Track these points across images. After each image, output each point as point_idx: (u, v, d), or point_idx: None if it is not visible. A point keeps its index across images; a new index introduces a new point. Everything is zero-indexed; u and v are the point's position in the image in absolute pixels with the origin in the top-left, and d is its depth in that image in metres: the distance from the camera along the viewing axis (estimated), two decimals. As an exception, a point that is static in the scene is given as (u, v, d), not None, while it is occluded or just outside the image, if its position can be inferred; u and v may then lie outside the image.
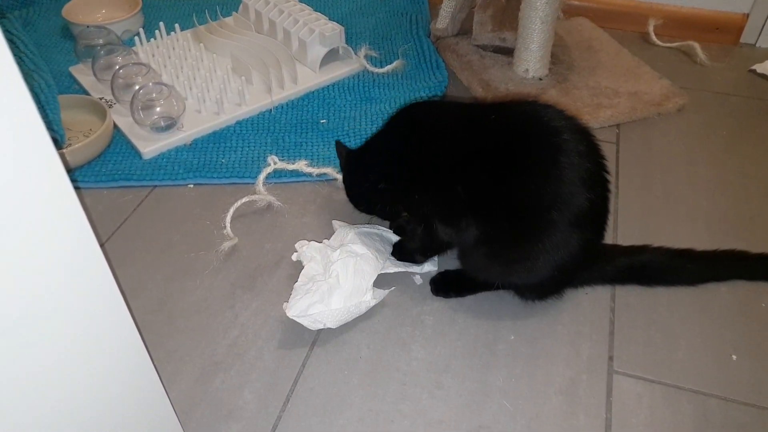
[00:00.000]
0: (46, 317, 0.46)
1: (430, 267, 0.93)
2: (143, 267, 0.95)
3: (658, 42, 1.47)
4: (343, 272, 0.85)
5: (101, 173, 1.10)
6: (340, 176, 1.06)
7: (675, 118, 1.25)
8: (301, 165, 1.06)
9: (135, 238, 1.00)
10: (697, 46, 1.42)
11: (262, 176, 1.05)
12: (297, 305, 0.83)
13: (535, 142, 0.78)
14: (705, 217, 1.03)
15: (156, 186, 1.09)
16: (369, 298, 0.85)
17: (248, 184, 1.07)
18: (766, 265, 0.91)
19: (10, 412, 0.46)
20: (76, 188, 1.08)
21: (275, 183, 1.08)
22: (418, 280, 0.92)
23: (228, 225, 0.98)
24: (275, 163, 1.07)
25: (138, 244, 0.99)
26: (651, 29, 1.48)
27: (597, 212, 0.80)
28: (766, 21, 1.45)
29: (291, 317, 0.82)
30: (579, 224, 0.77)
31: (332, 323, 0.83)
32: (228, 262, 0.95)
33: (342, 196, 1.00)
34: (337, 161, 1.02)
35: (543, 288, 0.86)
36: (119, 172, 1.10)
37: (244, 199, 1.01)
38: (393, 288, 0.89)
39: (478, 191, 0.79)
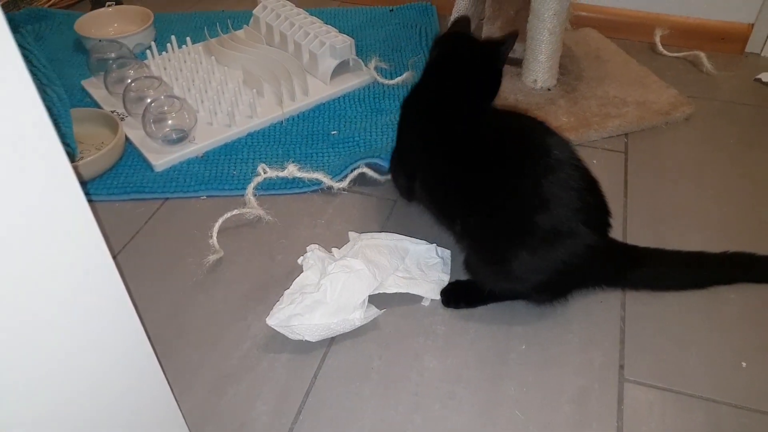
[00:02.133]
0: (60, 330, 0.47)
1: (434, 296, 0.91)
2: (156, 279, 0.96)
3: (665, 52, 1.48)
4: (331, 288, 0.84)
5: (113, 186, 1.11)
6: (330, 182, 1.08)
7: (683, 126, 1.26)
8: (292, 170, 1.06)
9: (147, 251, 1.01)
10: (703, 55, 1.43)
11: (251, 186, 1.05)
12: (278, 314, 0.83)
13: (527, 149, 0.82)
14: (714, 224, 1.03)
15: (168, 198, 1.10)
16: (357, 316, 0.84)
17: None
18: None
19: (26, 426, 0.47)
20: (89, 201, 1.08)
21: (277, 194, 1.10)
22: (426, 302, 0.91)
23: (215, 237, 0.98)
24: (265, 172, 1.07)
25: (150, 257, 1.00)
26: (658, 39, 1.49)
27: (591, 217, 0.81)
28: (771, 30, 1.45)
29: (270, 326, 0.82)
30: (568, 229, 0.78)
31: (311, 337, 0.83)
32: (241, 273, 0.96)
33: (340, 203, 1.03)
34: (333, 168, 1.08)
35: (547, 291, 0.87)
36: (131, 185, 1.11)
37: (234, 212, 1.02)
38: (385, 310, 0.87)
39: (466, 187, 0.84)
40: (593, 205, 0.82)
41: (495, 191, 0.82)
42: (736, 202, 1.07)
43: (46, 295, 0.45)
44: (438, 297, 0.91)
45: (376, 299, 0.88)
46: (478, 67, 0.93)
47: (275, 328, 0.83)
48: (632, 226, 1.03)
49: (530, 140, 0.82)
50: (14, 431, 0.46)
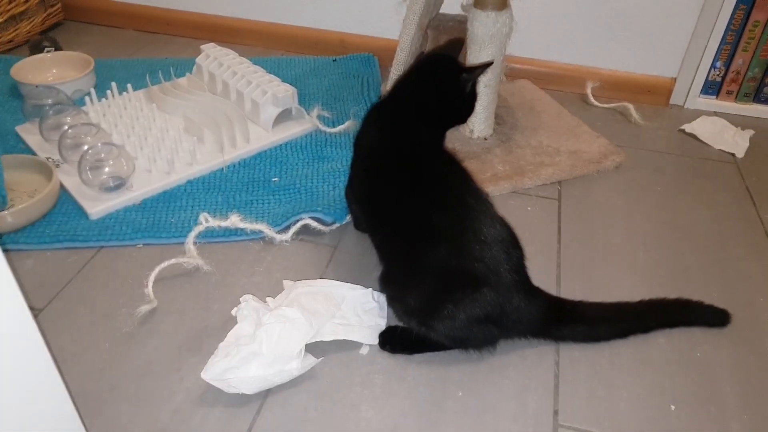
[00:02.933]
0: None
1: (372, 341, 0.91)
2: (86, 331, 0.92)
3: (596, 103, 1.56)
4: (267, 338, 0.83)
5: (45, 234, 1.08)
6: (273, 233, 1.07)
7: (613, 175, 1.32)
8: (235, 221, 1.06)
9: (79, 301, 0.97)
10: (631, 107, 1.52)
11: (192, 235, 1.04)
12: (213, 368, 0.81)
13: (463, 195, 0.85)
14: (642, 269, 1.07)
15: (103, 246, 1.07)
16: (294, 366, 0.83)
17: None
18: (683, 311, 0.96)
19: None
20: (19, 250, 1.05)
21: (216, 242, 1.08)
22: (364, 350, 0.90)
23: (150, 287, 0.96)
24: (207, 221, 1.07)
25: (82, 307, 0.96)
26: (589, 91, 1.58)
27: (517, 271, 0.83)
28: (691, 84, 1.57)
29: (205, 380, 0.81)
30: (494, 281, 0.81)
31: (248, 390, 0.82)
32: (175, 324, 0.94)
33: (279, 251, 1.04)
34: (276, 218, 1.09)
35: (466, 345, 0.88)
36: (64, 233, 1.08)
37: (172, 261, 1.00)
38: (322, 359, 0.86)
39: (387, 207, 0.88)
40: (517, 259, 0.84)
41: (425, 229, 0.83)
42: (663, 247, 1.13)
43: None
44: (375, 342, 0.91)
45: (312, 348, 0.87)
46: (430, 84, 0.95)
47: (211, 382, 0.81)
48: (565, 270, 1.06)
49: (463, 187, 0.85)
50: None
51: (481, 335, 0.86)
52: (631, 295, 0.96)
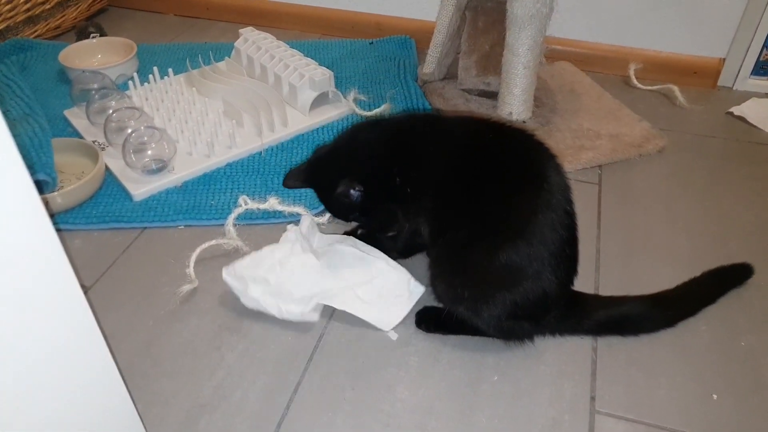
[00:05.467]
0: (27, 364, 0.47)
1: (383, 327, 0.90)
2: (131, 309, 0.95)
3: (639, 85, 1.52)
4: (280, 270, 0.90)
5: (92, 215, 1.11)
6: (312, 216, 1.07)
7: (655, 159, 1.29)
8: (273, 203, 1.07)
9: (124, 280, 1.01)
10: (676, 89, 1.47)
11: (232, 217, 1.06)
12: (234, 270, 0.91)
13: (526, 168, 0.83)
14: (685, 258, 1.04)
15: (146, 227, 1.11)
16: (292, 309, 0.88)
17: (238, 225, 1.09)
18: (729, 277, 0.96)
19: None
20: (69, 230, 1.10)
21: (255, 224, 1.10)
22: (393, 335, 0.91)
23: (192, 267, 0.99)
24: (246, 204, 1.08)
25: (126, 286, 1.00)
26: (632, 73, 1.53)
27: (567, 254, 0.83)
28: (741, 65, 1.50)
29: (224, 276, 0.90)
30: (549, 261, 0.79)
31: (246, 303, 0.90)
32: (215, 303, 0.96)
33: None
34: (313, 200, 1.06)
35: (505, 328, 0.86)
36: (110, 214, 1.12)
37: (212, 242, 1.02)
38: (325, 322, 0.89)
39: (467, 204, 0.82)
40: (567, 256, 0.83)
41: (491, 209, 0.81)
42: (706, 235, 1.10)
43: (12, 329, 0.45)
44: (385, 329, 0.90)
45: (348, 317, 0.89)
46: None
47: (225, 279, 0.90)
48: (604, 257, 1.04)
49: (536, 167, 0.83)
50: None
51: (525, 328, 0.86)
52: (672, 284, 0.94)
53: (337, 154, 0.92)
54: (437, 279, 0.88)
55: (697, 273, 1.00)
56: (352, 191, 0.86)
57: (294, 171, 0.94)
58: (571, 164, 1.22)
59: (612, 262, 1.04)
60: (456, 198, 0.84)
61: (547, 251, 0.79)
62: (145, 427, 0.65)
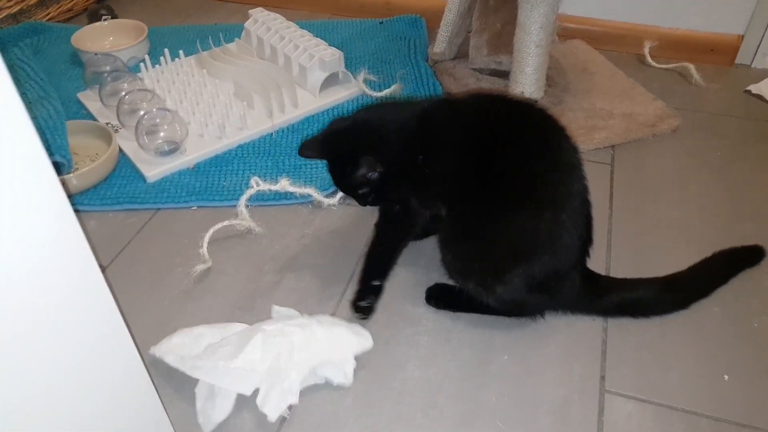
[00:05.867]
0: (48, 340, 0.48)
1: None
2: (146, 288, 0.97)
3: (654, 63, 1.49)
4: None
5: (107, 196, 1.13)
6: (321, 197, 1.08)
7: (669, 139, 1.27)
8: (285, 184, 1.08)
9: (138, 260, 1.03)
10: (692, 67, 1.45)
11: (244, 198, 1.06)
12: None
13: (541, 144, 0.84)
14: (697, 239, 1.03)
15: (160, 209, 1.12)
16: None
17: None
18: (741, 258, 0.95)
19: None
20: (83, 211, 1.11)
21: (267, 205, 1.11)
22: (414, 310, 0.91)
23: (205, 247, 1.00)
24: (258, 185, 1.09)
25: (141, 266, 1.01)
26: (646, 51, 1.51)
27: (583, 228, 0.83)
28: (761, 42, 1.47)
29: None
30: (565, 232, 0.80)
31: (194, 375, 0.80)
32: (229, 283, 0.97)
33: (327, 215, 1.04)
34: (324, 182, 1.06)
35: (518, 302, 0.87)
36: (124, 196, 1.13)
37: (225, 223, 1.03)
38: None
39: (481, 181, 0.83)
40: (583, 230, 0.83)
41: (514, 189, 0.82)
42: (720, 216, 1.08)
43: (34, 308, 0.46)
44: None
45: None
46: None
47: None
48: (616, 238, 1.04)
49: (551, 142, 0.84)
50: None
51: (537, 302, 0.86)
52: (684, 265, 0.93)
53: (358, 129, 0.90)
54: (451, 255, 0.88)
55: (710, 253, 0.99)
56: (370, 172, 0.86)
57: (310, 141, 0.92)
58: (583, 144, 1.21)
59: (623, 242, 1.03)
60: (474, 179, 0.84)
61: (563, 222, 0.80)
62: (162, 401, 0.66)
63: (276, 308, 0.89)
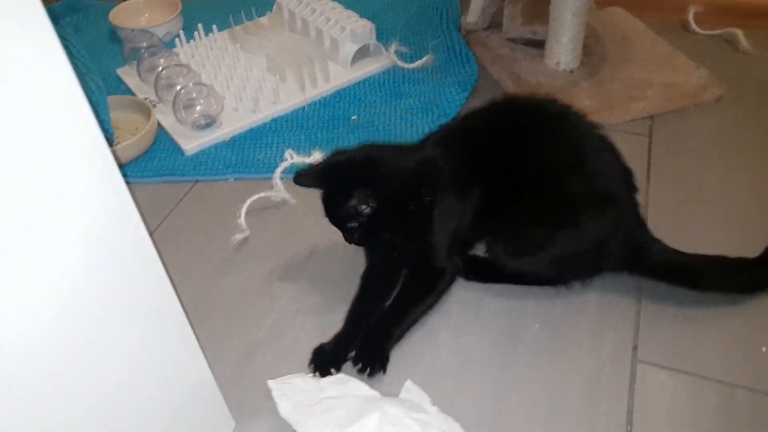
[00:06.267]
0: (103, 300, 0.51)
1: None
2: (188, 257, 1.01)
3: (698, 30, 1.43)
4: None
5: (147, 168, 1.17)
6: None
7: (712, 109, 1.23)
8: (318, 157, 1.09)
9: (179, 230, 1.06)
10: (740, 33, 1.38)
11: (279, 171, 1.08)
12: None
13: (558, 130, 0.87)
14: (738, 215, 1.01)
15: (198, 180, 1.15)
16: None
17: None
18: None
19: (69, 388, 0.51)
20: (125, 182, 1.15)
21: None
22: None
23: (243, 218, 1.03)
24: (292, 158, 1.11)
25: (182, 235, 1.05)
26: (691, 17, 1.44)
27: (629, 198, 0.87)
28: (814, 5, 1.40)
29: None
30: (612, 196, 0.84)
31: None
32: (266, 252, 1.00)
33: None
34: None
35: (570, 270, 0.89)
36: (164, 168, 1.17)
37: (261, 194, 1.06)
38: None
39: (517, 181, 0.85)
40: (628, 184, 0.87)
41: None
42: (763, 190, 1.05)
43: (92, 270, 0.49)
44: None
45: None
46: None
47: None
48: (652, 213, 1.01)
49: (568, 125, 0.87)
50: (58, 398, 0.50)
51: (589, 260, 0.88)
52: (723, 243, 0.91)
53: (358, 163, 0.87)
54: (510, 247, 0.89)
55: (752, 230, 0.96)
56: (363, 206, 0.82)
57: (309, 170, 0.90)
58: (620, 115, 1.19)
59: (660, 217, 1.00)
60: (504, 185, 0.86)
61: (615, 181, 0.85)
62: (206, 358, 0.69)
63: (408, 385, 0.80)
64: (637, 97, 1.22)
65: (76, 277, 0.48)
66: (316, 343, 0.85)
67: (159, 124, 1.24)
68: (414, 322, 0.86)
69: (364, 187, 0.81)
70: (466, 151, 0.88)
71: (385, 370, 0.82)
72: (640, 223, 0.90)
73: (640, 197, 1.03)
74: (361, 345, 0.83)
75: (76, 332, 0.50)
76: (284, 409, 0.76)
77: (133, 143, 1.16)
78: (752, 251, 0.88)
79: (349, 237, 0.87)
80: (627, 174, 0.88)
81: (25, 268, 0.44)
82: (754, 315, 0.86)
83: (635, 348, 0.83)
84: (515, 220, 0.86)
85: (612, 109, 1.19)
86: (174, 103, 1.19)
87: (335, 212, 0.86)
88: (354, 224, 0.84)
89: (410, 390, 0.79)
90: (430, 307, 0.88)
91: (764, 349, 0.82)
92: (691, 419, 0.75)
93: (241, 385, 0.82)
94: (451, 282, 0.90)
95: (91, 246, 0.49)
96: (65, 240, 0.46)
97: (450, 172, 0.86)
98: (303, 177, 0.88)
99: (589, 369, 0.81)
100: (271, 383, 0.79)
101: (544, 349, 0.84)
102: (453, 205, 0.86)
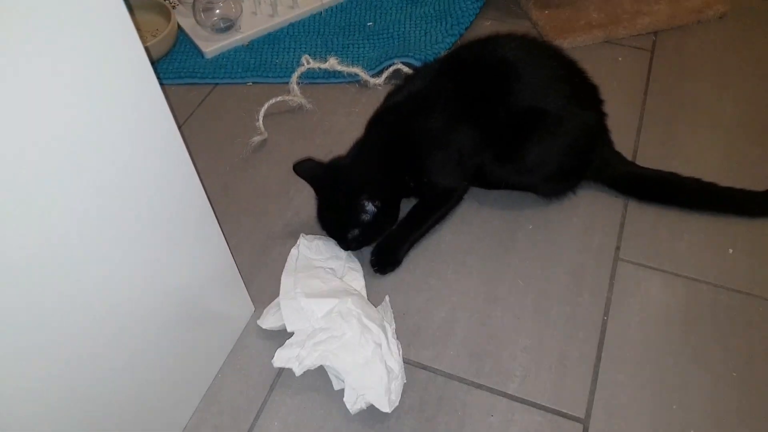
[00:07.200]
0: (137, 189, 0.58)
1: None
2: (209, 156, 1.08)
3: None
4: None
5: (169, 70, 1.21)
6: (367, 77, 1.14)
7: (715, 26, 1.25)
8: (333, 63, 1.14)
9: (200, 131, 1.13)
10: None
11: (295, 75, 1.13)
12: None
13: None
14: (726, 123, 1.07)
15: (218, 84, 1.21)
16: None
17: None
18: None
19: (105, 272, 0.57)
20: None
21: (317, 83, 1.18)
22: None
23: (261, 121, 1.09)
24: (308, 63, 1.15)
25: (203, 136, 1.12)
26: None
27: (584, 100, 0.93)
28: None
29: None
30: (569, 114, 0.90)
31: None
32: (283, 154, 1.08)
33: (373, 93, 1.09)
34: (370, 62, 1.10)
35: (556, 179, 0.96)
36: (185, 70, 1.21)
37: (279, 98, 1.10)
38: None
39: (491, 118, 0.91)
40: (583, 90, 0.93)
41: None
42: (753, 102, 1.11)
43: (129, 162, 0.55)
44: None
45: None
46: None
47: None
48: (647, 123, 1.08)
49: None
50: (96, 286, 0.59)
51: (587, 161, 0.95)
52: (708, 150, 0.99)
53: (352, 171, 0.91)
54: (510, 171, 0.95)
55: (738, 139, 1.03)
56: (369, 206, 0.88)
57: (312, 164, 0.93)
58: (626, 30, 1.22)
59: (653, 126, 1.08)
60: (493, 115, 0.91)
61: (564, 98, 0.90)
62: (229, 247, 0.78)
63: (387, 299, 0.86)
64: (644, 12, 1.24)
65: (120, 163, 0.54)
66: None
67: (179, 27, 1.27)
68: (424, 233, 0.95)
69: (364, 194, 0.87)
70: (455, 86, 0.92)
71: (393, 270, 0.92)
72: (607, 136, 0.98)
73: (636, 110, 1.10)
74: (378, 248, 0.92)
75: (124, 211, 0.56)
76: (290, 259, 0.87)
77: (154, 45, 1.19)
78: (735, 171, 0.97)
79: (347, 244, 0.90)
80: (595, 90, 0.95)
81: (83, 154, 0.50)
82: (726, 222, 0.94)
83: (618, 248, 0.93)
84: (510, 144, 0.92)
85: (618, 24, 1.22)
86: (194, 5, 1.22)
87: (336, 223, 0.90)
88: (355, 233, 0.89)
89: (386, 304, 0.85)
90: (438, 221, 0.96)
91: (731, 250, 0.91)
92: (660, 311, 0.86)
93: (260, 276, 0.91)
94: (459, 200, 0.98)
95: (132, 137, 0.54)
96: (110, 131, 0.52)
97: (438, 110, 0.91)
98: (303, 168, 0.92)
99: (575, 265, 0.91)
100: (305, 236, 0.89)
101: (535, 247, 0.94)
102: (444, 140, 0.91)
